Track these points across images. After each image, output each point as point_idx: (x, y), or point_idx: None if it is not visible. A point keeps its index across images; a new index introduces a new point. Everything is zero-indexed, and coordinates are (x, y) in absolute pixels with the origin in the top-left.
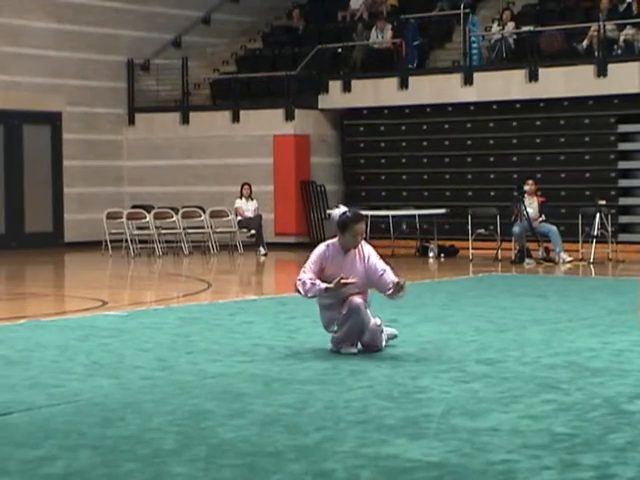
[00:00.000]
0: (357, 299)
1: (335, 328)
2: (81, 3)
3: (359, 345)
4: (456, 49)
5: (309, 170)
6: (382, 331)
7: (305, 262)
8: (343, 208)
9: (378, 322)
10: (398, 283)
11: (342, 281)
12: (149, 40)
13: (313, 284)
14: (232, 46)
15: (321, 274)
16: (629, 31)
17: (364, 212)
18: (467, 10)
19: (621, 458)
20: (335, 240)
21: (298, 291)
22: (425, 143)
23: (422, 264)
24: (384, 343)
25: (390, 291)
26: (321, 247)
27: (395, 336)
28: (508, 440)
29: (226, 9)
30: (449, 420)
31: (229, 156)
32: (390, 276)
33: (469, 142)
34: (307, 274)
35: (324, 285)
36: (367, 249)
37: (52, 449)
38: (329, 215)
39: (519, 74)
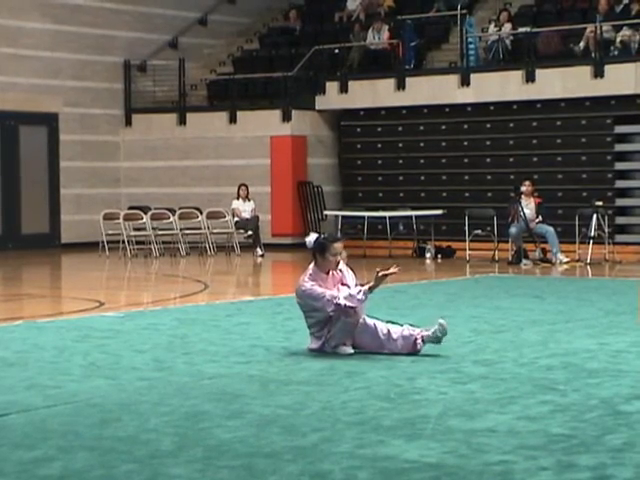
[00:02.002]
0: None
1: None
2: (78, 4)
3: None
4: (453, 50)
5: (306, 171)
6: (393, 338)
7: (316, 296)
8: (315, 235)
9: (384, 330)
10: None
11: (381, 273)
12: (146, 41)
13: (351, 295)
14: (229, 47)
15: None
16: (626, 32)
17: (362, 213)
18: (464, 11)
19: (618, 459)
20: (311, 269)
21: (351, 307)
22: (422, 144)
23: (419, 265)
24: (397, 346)
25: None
26: (307, 282)
27: (437, 338)
28: (505, 441)
29: (223, 10)
30: (446, 421)
31: (226, 157)
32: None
33: (466, 143)
34: (335, 294)
35: (366, 287)
36: (344, 268)
37: (49, 450)
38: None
39: (516, 75)
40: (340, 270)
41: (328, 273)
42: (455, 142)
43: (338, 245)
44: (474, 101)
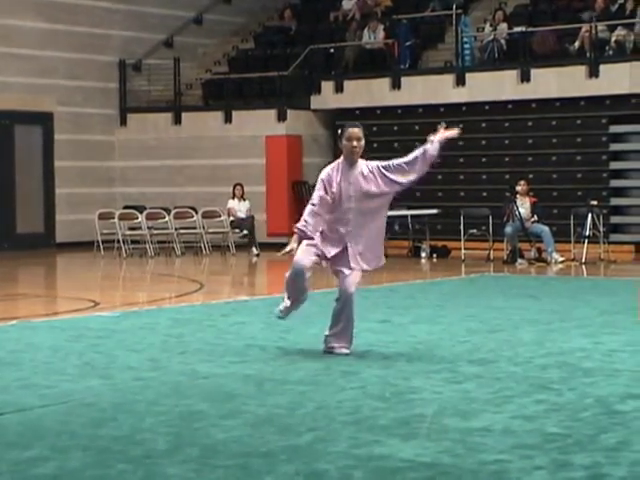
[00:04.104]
0: (351, 288)
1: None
2: (72, 3)
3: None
4: (448, 50)
5: (301, 170)
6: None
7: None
8: None
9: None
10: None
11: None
12: (141, 40)
13: (306, 233)
14: (224, 46)
15: (329, 191)
16: (620, 32)
17: None
18: (459, 11)
19: (613, 458)
20: (340, 159)
21: (299, 229)
22: (417, 144)
23: (414, 264)
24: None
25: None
26: (326, 170)
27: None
28: (500, 440)
29: (218, 9)
30: (441, 420)
31: (221, 157)
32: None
33: (461, 142)
34: (312, 219)
35: (296, 245)
36: (375, 163)
37: (43, 450)
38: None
39: (511, 75)
40: (366, 168)
41: (352, 166)
42: (450, 141)
43: (353, 130)
44: (469, 101)
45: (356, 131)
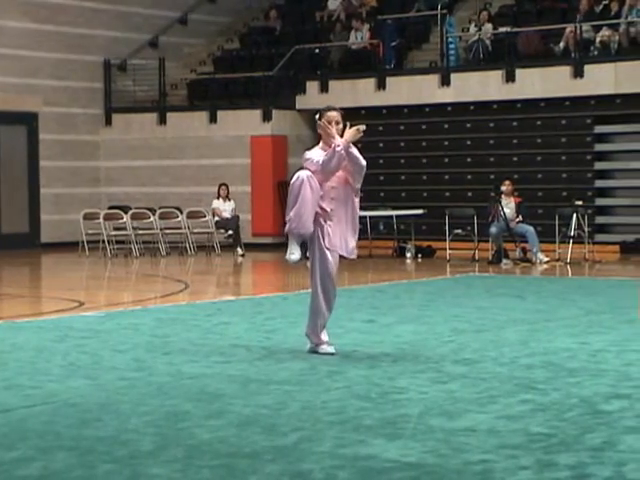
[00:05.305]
0: (333, 267)
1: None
2: (57, 3)
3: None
4: (433, 50)
5: (286, 170)
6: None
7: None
8: None
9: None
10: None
11: (353, 128)
12: (126, 40)
13: (329, 155)
14: (209, 46)
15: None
16: (605, 32)
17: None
18: (444, 11)
19: (598, 458)
20: (319, 144)
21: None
22: (402, 144)
23: (399, 265)
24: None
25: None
26: (309, 151)
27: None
28: (485, 440)
29: (203, 9)
30: (426, 420)
31: (206, 157)
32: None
33: (446, 143)
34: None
35: (338, 141)
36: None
37: (28, 450)
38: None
39: (496, 75)
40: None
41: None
42: (435, 142)
43: (331, 114)
44: (454, 101)
45: (334, 114)
